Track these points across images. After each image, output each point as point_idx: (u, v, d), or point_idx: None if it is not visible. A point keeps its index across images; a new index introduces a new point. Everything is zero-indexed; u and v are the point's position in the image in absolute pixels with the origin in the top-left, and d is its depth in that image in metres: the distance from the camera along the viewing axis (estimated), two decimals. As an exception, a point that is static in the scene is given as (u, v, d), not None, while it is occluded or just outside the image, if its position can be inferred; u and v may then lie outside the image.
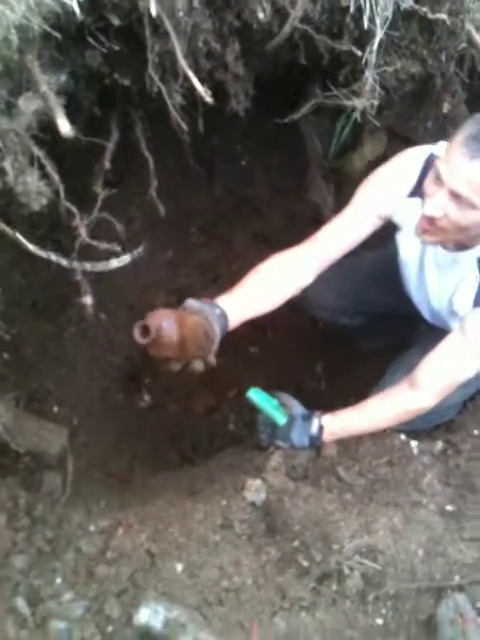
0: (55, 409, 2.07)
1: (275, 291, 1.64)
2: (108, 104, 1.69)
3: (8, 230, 1.46)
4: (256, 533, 1.49)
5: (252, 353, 2.48)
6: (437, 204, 1.38)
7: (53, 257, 1.46)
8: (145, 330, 1.39)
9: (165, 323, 1.40)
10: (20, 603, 1.29)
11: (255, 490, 1.55)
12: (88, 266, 1.54)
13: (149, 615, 1.25)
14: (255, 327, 1.74)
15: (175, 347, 1.42)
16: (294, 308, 1.84)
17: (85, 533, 1.48)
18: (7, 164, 1.22)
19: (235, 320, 1.56)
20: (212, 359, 1.53)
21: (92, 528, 1.50)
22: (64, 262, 1.52)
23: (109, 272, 2.30)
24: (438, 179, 1.37)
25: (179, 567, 1.38)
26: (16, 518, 1.56)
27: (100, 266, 1.58)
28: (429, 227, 1.44)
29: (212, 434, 2.24)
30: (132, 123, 1.81)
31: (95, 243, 1.52)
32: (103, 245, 1.53)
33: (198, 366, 1.55)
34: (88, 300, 1.62)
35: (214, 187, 2.41)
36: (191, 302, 1.52)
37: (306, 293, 1.71)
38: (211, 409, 2.33)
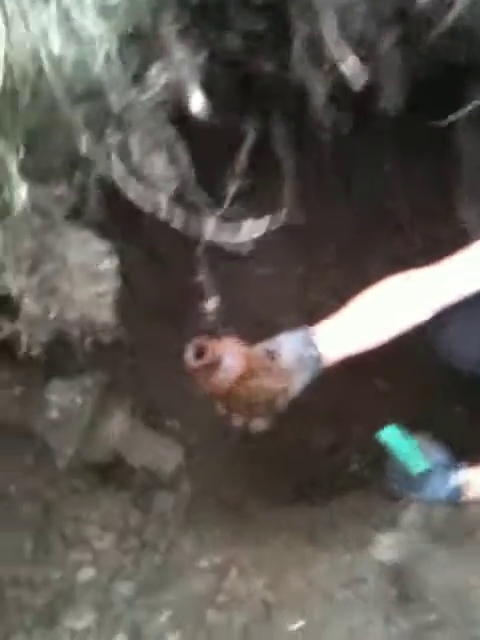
0: (168, 423, 1.98)
1: (389, 322, 1.39)
2: (245, 93, 1.57)
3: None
4: (386, 598, 1.30)
5: (381, 387, 2.28)
6: None
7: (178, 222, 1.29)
8: (201, 352, 1.15)
9: (229, 357, 1.14)
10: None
11: (386, 548, 1.36)
12: (221, 236, 1.38)
13: (262, 678, 1.11)
14: (386, 356, 1.55)
15: (229, 390, 1.17)
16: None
17: (196, 568, 1.37)
18: (133, 142, 1.12)
19: (334, 357, 1.32)
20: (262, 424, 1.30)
21: (205, 564, 1.38)
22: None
23: (238, 286, 2.21)
24: None
25: (299, 624, 1.22)
26: (125, 539, 1.48)
27: (234, 236, 1.40)
28: None
29: (333, 473, 2.06)
30: (268, 118, 1.69)
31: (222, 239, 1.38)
32: (229, 245, 1.40)
33: (259, 425, 1.31)
34: (212, 304, 1.51)
35: (352, 198, 2.25)
36: (282, 344, 1.28)
37: (442, 339, 1.50)
38: (333, 446, 2.14)
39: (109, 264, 1.21)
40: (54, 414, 1.47)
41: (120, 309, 1.37)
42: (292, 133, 1.81)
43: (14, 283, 1.13)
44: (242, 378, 1.16)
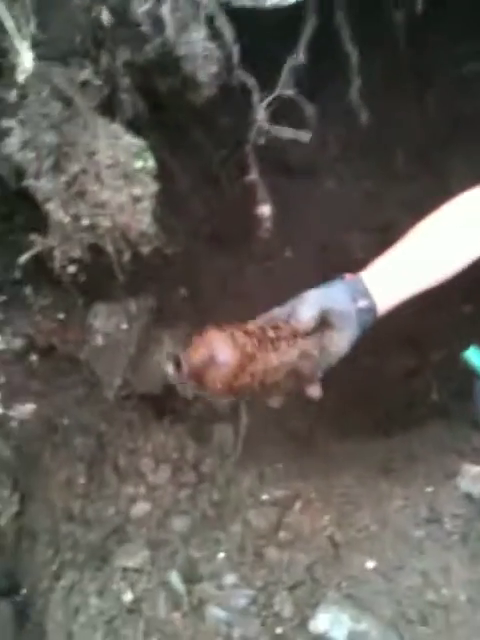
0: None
1: (458, 251, 1.16)
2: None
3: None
4: (471, 534, 1.14)
5: (463, 310, 2.06)
6: None
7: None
8: (179, 361, 0.99)
9: (215, 351, 0.97)
10: (175, 578, 1.08)
11: (472, 479, 1.19)
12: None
13: (330, 622, 0.98)
14: (468, 276, 1.33)
15: (233, 385, 1.00)
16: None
17: (256, 502, 1.24)
18: (165, 11, 0.93)
19: (390, 304, 1.13)
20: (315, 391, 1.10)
21: (264, 497, 1.25)
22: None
23: (297, 205, 2.02)
24: None
25: (370, 565, 1.08)
26: (181, 472, 1.37)
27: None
28: None
29: (411, 402, 1.88)
30: (332, 7, 1.45)
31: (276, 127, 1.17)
32: (286, 132, 1.19)
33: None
34: (266, 210, 1.33)
35: (427, 101, 1.99)
36: (306, 301, 1.08)
37: None
38: (411, 372, 1.96)
39: (145, 163, 1.05)
40: (99, 341, 1.36)
41: (162, 221, 1.22)
42: (358, 27, 1.56)
43: (38, 186, 1.00)
44: (240, 367, 0.98)
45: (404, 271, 1.14)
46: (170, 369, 1.02)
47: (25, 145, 0.97)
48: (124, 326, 1.37)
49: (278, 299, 1.95)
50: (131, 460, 1.41)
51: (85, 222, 1.06)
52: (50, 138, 0.97)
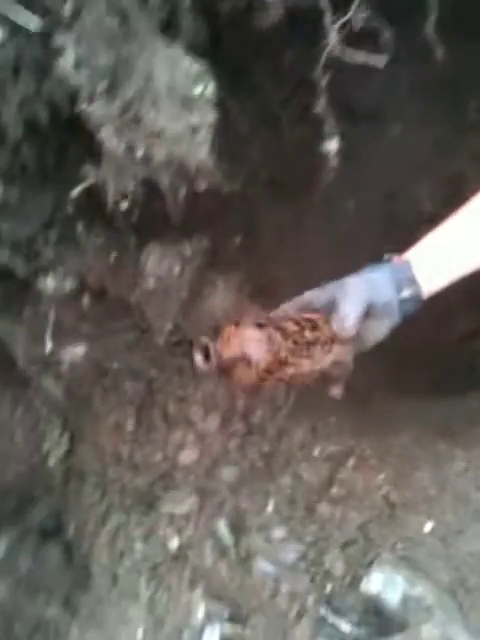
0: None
1: None
2: None
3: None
4: None
5: None
6: None
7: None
8: (208, 352, 0.90)
9: (248, 349, 0.89)
10: (222, 528, 1.05)
11: None
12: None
13: (383, 584, 0.93)
14: None
15: (263, 381, 0.92)
16: None
17: (307, 456, 1.19)
18: None
19: (437, 288, 1.03)
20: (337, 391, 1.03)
21: (316, 451, 1.20)
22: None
23: (361, 152, 1.90)
24: None
25: (428, 527, 1.02)
26: (231, 422, 1.33)
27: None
28: None
29: (472, 364, 1.78)
30: None
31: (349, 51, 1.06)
32: (360, 56, 1.08)
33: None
34: (333, 145, 1.23)
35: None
36: (348, 293, 0.97)
37: None
38: (473, 332, 1.85)
39: (204, 89, 0.97)
40: (150, 284, 1.31)
41: (219, 164, 1.15)
42: None
43: (91, 111, 0.94)
44: (270, 372, 0.90)
45: (453, 253, 1.03)
46: (198, 358, 0.91)
47: (79, 65, 0.91)
48: (177, 269, 1.31)
49: (338, 249, 1.87)
50: (180, 407, 1.38)
51: (139, 153, 1.00)
52: (106, 58, 0.91)
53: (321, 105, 1.13)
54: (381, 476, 1.10)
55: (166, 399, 1.40)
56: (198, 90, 0.98)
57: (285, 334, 0.92)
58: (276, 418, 1.33)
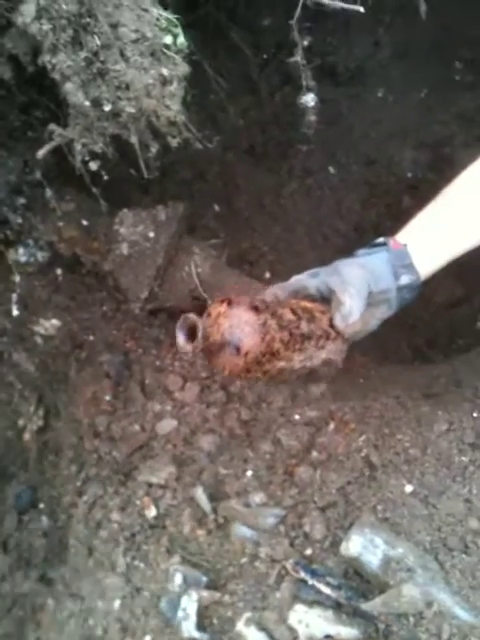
0: (267, 275, 1.75)
1: None
2: None
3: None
4: (520, 463, 1.05)
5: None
6: None
7: None
8: (194, 330, 0.83)
9: (239, 333, 0.81)
10: (200, 495, 1.03)
11: (524, 404, 1.10)
12: None
13: (363, 546, 0.91)
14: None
15: (250, 370, 0.84)
16: None
17: (287, 422, 1.17)
18: None
19: (432, 270, 0.99)
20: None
21: (296, 417, 1.18)
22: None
23: (342, 116, 1.86)
24: None
25: (409, 488, 1.01)
26: (210, 391, 1.31)
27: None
28: None
29: (454, 330, 1.76)
30: None
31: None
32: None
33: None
34: (310, 100, 1.19)
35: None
36: (347, 279, 0.89)
37: None
38: (456, 301, 1.83)
39: (174, 40, 0.93)
40: (124, 250, 1.28)
41: (199, 119, 1.11)
42: None
43: (54, 63, 0.90)
44: (259, 362, 0.83)
45: (450, 233, 0.99)
46: (181, 338, 0.84)
47: (40, 14, 0.86)
48: (151, 234, 1.28)
49: (318, 218, 1.84)
50: (158, 378, 1.35)
51: (107, 108, 0.96)
52: (69, 6, 0.86)
53: (300, 67, 1.08)
54: (362, 438, 1.08)
55: (143, 370, 1.37)
56: (168, 40, 0.94)
57: (281, 323, 0.85)
58: (255, 386, 1.31)
